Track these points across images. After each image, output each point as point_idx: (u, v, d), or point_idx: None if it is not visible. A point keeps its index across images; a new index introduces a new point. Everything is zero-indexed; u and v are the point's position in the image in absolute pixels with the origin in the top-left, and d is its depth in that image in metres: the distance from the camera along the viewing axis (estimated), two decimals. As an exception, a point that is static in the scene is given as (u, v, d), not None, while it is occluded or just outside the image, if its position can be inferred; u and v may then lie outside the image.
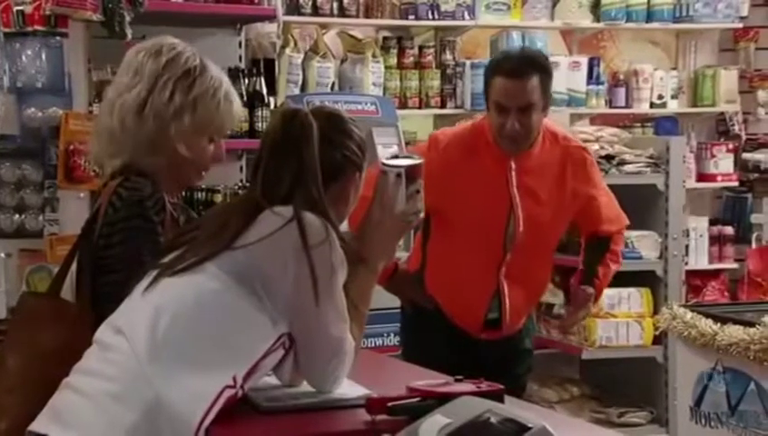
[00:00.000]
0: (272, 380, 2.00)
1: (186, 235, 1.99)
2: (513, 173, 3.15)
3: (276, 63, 4.43)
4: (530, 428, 1.58)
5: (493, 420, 1.62)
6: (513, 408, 1.72)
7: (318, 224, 1.87)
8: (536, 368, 4.80)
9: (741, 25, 5.57)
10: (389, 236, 2.06)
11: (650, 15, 5.30)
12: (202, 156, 2.21)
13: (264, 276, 1.86)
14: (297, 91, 4.56)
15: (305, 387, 1.99)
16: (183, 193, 3.80)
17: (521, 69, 3.05)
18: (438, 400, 1.77)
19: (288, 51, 4.63)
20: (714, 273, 5.36)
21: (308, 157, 1.93)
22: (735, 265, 5.43)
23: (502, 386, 1.84)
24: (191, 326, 1.84)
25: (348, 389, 1.96)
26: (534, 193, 3.19)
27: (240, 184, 4.06)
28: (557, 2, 5.12)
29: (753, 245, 5.33)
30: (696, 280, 5.22)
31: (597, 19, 5.19)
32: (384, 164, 2.05)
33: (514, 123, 3.06)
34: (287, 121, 1.99)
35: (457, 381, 1.88)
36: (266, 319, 1.86)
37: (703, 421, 3.71)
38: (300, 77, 4.63)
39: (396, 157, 2.09)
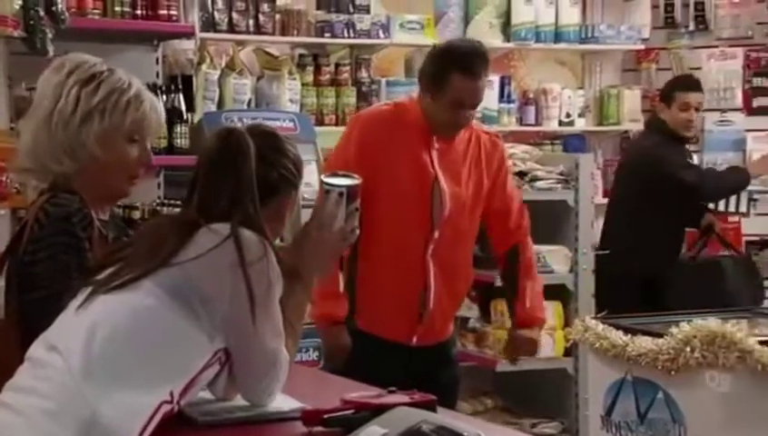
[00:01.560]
0: (206, 394, 2.03)
1: (120, 252, 2.01)
2: (435, 152, 3.27)
3: (194, 79, 4.43)
4: (465, 436, 1.64)
5: (428, 429, 1.68)
6: (446, 418, 1.78)
7: (255, 241, 1.91)
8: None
9: (643, 47, 5.78)
10: (327, 254, 2.12)
11: (558, 36, 5.46)
12: (124, 158, 2.19)
13: (201, 293, 1.88)
14: (214, 107, 4.57)
15: (239, 401, 2.02)
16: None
17: (481, 70, 3.20)
18: (373, 411, 1.82)
19: (204, 67, 4.64)
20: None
21: (245, 175, 1.97)
22: (641, 279, 5.60)
23: (434, 397, 1.90)
24: (126, 343, 1.85)
25: (282, 402, 2.00)
26: (455, 173, 3.30)
27: (158, 201, 4.06)
28: (469, 22, 5.23)
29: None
30: (604, 293, 5.35)
31: (508, 39, 5.33)
32: (325, 183, 2.10)
33: (465, 117, 3.19)
34: (223, 140, 2.02)
35: (390, 392, 1.93)
36: (203, 335, 1.89)
37: (613, 429, 3.83)
38: (217, 94, 4.64)
39: (335, 175, 2.14)
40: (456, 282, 3.42)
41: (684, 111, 4.75)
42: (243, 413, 1.96)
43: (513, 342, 3.65)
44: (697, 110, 4.83)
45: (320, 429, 1.84)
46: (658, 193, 4.82)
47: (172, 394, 1.84)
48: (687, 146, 5.00)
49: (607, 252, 4.90)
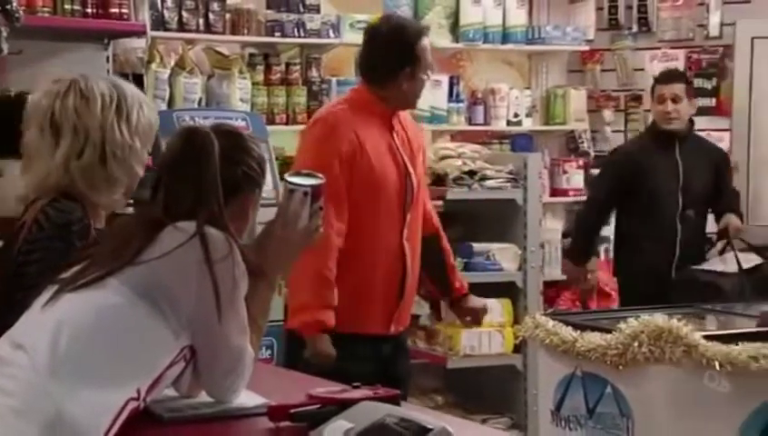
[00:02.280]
0: (170, 391, 2.04)
1: (85, 251, 2.02)
2: (395, 135, 3.41)
3: (144, 78, 4.42)
4: (431, 429, 1.68)
5: (395, 422, 1.72)
6: (410, 411, 1.82)
7: (221, 239, 1.93)
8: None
9: (588, 48, 5.87)
10: (291, 252, 2.14)
11: (505, 37, 5.52)
12: (136, 175, 2.27)
13: (167, 291, 1.90)
14: (164, 106, 4.55)
15: (203, 397, 2.04)
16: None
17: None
18: (338, 406, 1.85)
19: (154, 66, 4.63)
20: (567, 284, 5.61)
21: (209, 175, 1.99)
22: (586, 276, 5.70)
23: (398, 391, 1.93)
24: (92, 340, 1.86)
25: (246, 398, 2.02)
26: (411, 155, 3.45)
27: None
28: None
29: (602, 257, 5.62)
30: (551, 290, 5.45)
31: (456, 39, 5.38)
32: (290, 182, 2.12)
33: None
34: (188, 139, 2.04)
35: (354, 387, 1.96)
36: (168, 332, 1.90)
37: (563, 423, 3.90)
38: (168, 93, 4.63)
39: (298, 174, 2.16)
40: (418, 265, 3.52)
41: (660, 103, 4.72)
42: (208, 409, 1.98)
43: (465, 311, 3.78)
44: (675, 101, 4.72)
45: (286, 424, 1.86)
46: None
47: (138, 391, 1.85)
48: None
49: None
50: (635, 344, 3.58)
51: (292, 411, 1.87)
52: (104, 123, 2.17)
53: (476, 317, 3.83)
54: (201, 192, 1.98)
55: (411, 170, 3.41)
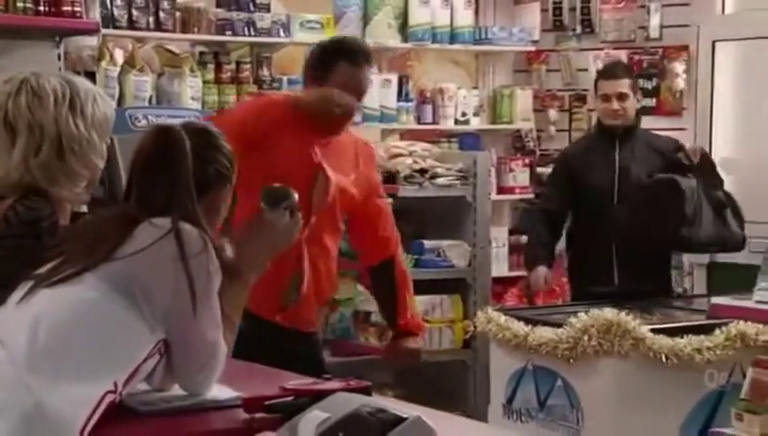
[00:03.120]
0: (143, 385, 2.06)
1: (58, 247, 2.03)
2: (317, 147, 3.30)
3: (97, 76, 4.40)
4: (406, 418, 1.73)
5: (370, 412, 1.76)
6: (383, 401, 1.87)
7: (195, 235, 1.97)
8: (353, 375, 4.97)
9: (533, 49, 5.97)
10: (267, 254, 2.23)
11: (453, 37, 5.59)
12: (97, 167, 2.28)
13: (143, 286, 1.93)
14: (115, 104, 4.54)
15: (176, 391, 2.07)
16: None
17: (364, 61, 3.36)
18: (312, 397, 1.89)
19: (104, 64, 4.61)
20: (513, 280, 5.70)
21: (183, 173, 2.03)
22: (532, 272, 5.79)
23: (369, 383, 1.98)
24: (70, 334, 1.89)
25: (218, 392, 2.06)
26: (340, 166, 3.35)
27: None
28: (368, 22, 5.33)
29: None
30: (498, 286, 5.54)
31: (405, 39, 5.44)
32: (268, 198, 2.21)
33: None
34: (160, 138, 2.07)
35: (325, 379, 2.01)
36: (144, 326, 1.94)
37: (514, 416, 3.98)
38: (117, 90, 4.61)
39: (272, 187, 2.25)
40: (324, 272, 3.40)
41: (605, 101, 4.55)
42: (183, 402, 2.01)
43: (397, 352, 3.69)
44: (621, 99, 4.52)
45: (261, 415, 1.90)
46: None
47: (115, 384, 1.88)
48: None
49: None
50: (585, 338, 3.68)
51: (267, 402, 1.91)
52: (59, 118, 2.18)
53: (401, 359, 3.75)
54: (174, 190, 2.01)
55: (331, 175, 3.31)
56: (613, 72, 4.68)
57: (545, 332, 3.78)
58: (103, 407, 1.86)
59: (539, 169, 5.85)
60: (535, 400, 3.88)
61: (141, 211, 2.01)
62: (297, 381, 2.00)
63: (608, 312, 3.66)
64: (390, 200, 4.92)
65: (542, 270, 4.59)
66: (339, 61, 3.28)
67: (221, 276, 2.02)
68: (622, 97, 4.54)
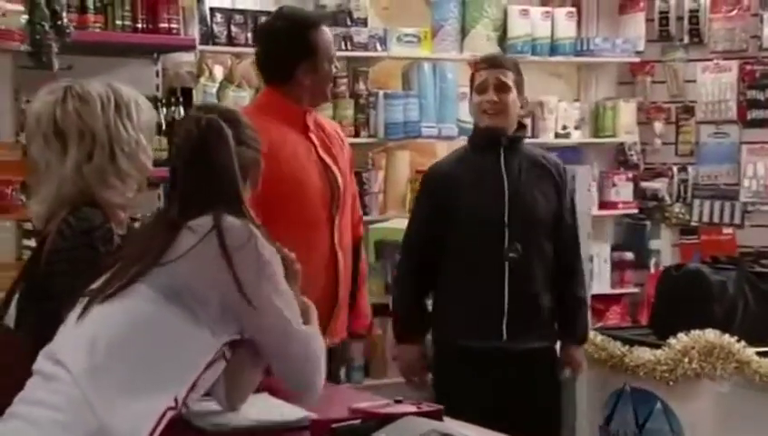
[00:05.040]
0: (213, 405, 2.04)
1: (112, 258, 2.03)
2: (313, 135, 3.20)
3: (194, 92, 4.45)
4: (474, 445, 1.67)
5: (437, 438, 1.70)
6: (454, 426, 1.81)
7: (238, 227, 1.94)
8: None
9: (638, 60, 5.81)
10: None
11: (553, 49, 5.49)
12: (146, 171, 2.31)
13: (194, 291, 1.91)
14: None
15: (246, 411, 2.04)
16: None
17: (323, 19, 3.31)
18: (381, 420, 1.84)
19: (202, 80, 4.66)
20: (616, 298, 5.56)
21: (229, 163, 2.00)
22: (636, 290, 5.64)
23: (441, 406, 1.92)
24: (128, 351, 1.88)
25: (289, 411, 2.02)
26: (332, 155, 3.23)
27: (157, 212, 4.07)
28: (466, 35, 5.26)
29: (652, 270, 5.57)
30: (599, 304, 5.40)
31: (504, 52, 5.34)
32: None
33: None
34: (202, 129, 2.02)
35: (396, 402, 1.95)
36: (204, 331, 1.91)
37: (611, 439, 3.87)
38: (216, 107, 4.66)
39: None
40: (350, 269, 3.25)
41: (481, 93, 3.63)
42: (251, 423, 1.98)
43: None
44: (500, 90, 3.58)
45: (328, 438, 1.86)
46: None
47: (176, 399, 1.86)
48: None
49: None
50: (686, 360, 3.55)
51: (334, 425, 1.87)
52: (108, 122, 2.20)
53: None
54: (221, 181, 1.99)
55: (336, 170, 3.18)
56: (493, 59, 3.78)
57: (642, 353, 3.67)
58: (164, 423, 1.84)
59: (643, 183, 5.70)
60: (633, 423, 3.76)
61: (186, 206, 1.98)
62: (366, 403, 1.95)
63: (710, 334, 3.52)
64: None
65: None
66: (311, 30, 3.17)
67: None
68: (502, 88, 3.59)
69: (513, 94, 3.61)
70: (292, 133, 3.13)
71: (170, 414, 1.85)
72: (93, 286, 1.98)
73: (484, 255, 3.48)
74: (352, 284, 3.30)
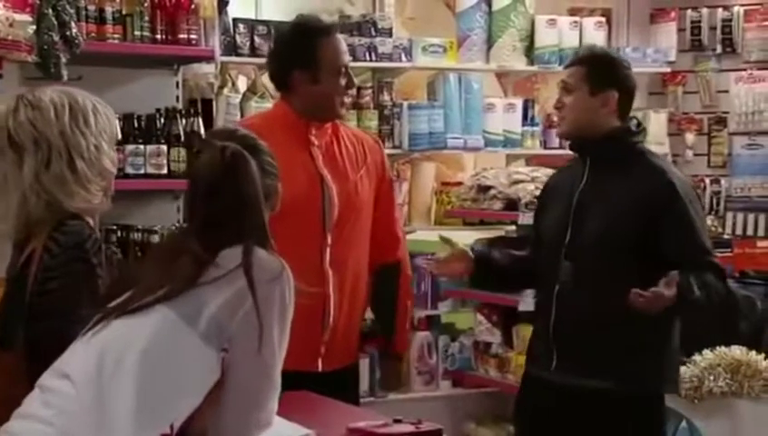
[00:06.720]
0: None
1: (130, 278, 1.99)
2: (317, 151, 3.09)
3: (214, 103, 4.43)
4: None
5: (432, 460, 1.64)
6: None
7: (267, 260, 1.90)
8: (472, 407, 4.84)
9: (669, 70, 5.72)
10: None
11: (582, 59, 5.40)
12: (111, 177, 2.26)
13: (215, 319, 1.87)
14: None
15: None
16: (119, 234, 3.77)
17: (333, 28, 3.12)
18: (377, 441, 1.79)
19: (225, 91, 4.64)
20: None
21: (255, 195, 1.96)
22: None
23: (441, 426, 1.86)
24: (136, 371, 1.84)
25: (289, 430, 1.97)
26: (340, 170, 3.10)
27: (177, 225, 4.04)
28: (492, 45, 5.20)
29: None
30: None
31: (531, 62, 5.28)
32: None
33: (348, 85, 3.10)
34: (227, 161, 1.98)
35: (395, 421, 1.90)
36: (213, 357, 1.87)
37: (637, 458, 3.77)
38: (239, 117, 4.63)
39: None
40: (354, 294, 3.11)
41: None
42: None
43: (391, 371, 3.35)
44: (564, 90, 3.23)
45: (323, 459, 1.80)
46: None
47: (171, 427, 1.82)
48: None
49: None
50: (711, 377, 3.45)
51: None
52: (63, 128, 2.15)
53: (390, 384, 3.47)
54: (246, 214, 1.95)
55: (333, 186, 3.04)
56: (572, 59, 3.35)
57: (667, 370, 3.56)
58: None
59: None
60: (658, 441, 3.65)
61: (210, 239, 1.93)
62: (365, 423, 1.89)
63: (736, 351, 3.42)
64: (513, 227, 4.80)
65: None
66: (317, 40, 3.07)
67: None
68: (567, 88, 3.19)
69: (575, 94, 3.22)
70: (290, 144, 3.01)
71: None
72: (109, 305, 1.94)
73: (542, 274, 3.25)
74: (389, 304, 3.19)
